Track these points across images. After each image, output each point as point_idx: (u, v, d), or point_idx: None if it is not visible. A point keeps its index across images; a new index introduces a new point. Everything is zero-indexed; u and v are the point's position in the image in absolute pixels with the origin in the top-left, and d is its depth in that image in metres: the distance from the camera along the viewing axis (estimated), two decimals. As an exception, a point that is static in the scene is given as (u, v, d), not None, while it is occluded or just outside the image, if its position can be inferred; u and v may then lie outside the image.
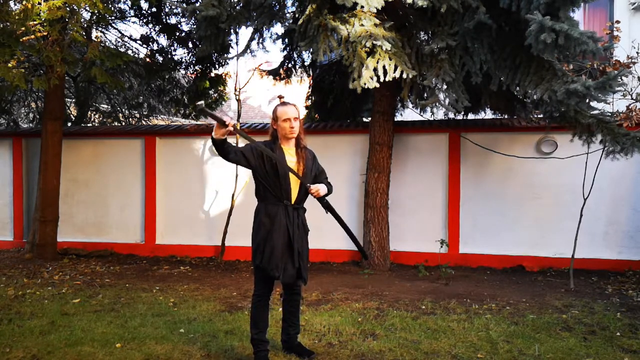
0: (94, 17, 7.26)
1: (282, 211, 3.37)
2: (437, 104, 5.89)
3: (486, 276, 6.67)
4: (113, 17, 8.13)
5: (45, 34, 6.21)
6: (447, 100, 5.84)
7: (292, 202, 3.42)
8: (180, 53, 8.70)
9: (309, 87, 9.31)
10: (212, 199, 8.14)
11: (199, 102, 3.17)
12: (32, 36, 6.24)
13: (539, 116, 7.06)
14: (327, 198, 3.51)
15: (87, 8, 6.26)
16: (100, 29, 8.66)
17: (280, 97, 3.32)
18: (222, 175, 8.04)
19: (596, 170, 6.05)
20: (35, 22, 6.00)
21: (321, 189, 3.43)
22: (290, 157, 3.41)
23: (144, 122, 11.26)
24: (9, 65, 6.15)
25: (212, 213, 8.13)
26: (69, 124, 10.26)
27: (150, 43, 8.63)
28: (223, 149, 3.20)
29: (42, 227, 7.65)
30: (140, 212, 8.34)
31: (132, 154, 8.39)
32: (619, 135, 5.44)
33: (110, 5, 6.97)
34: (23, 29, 5.99)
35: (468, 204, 7.39)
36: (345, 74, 5.85)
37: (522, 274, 6.82)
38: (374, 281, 6.24)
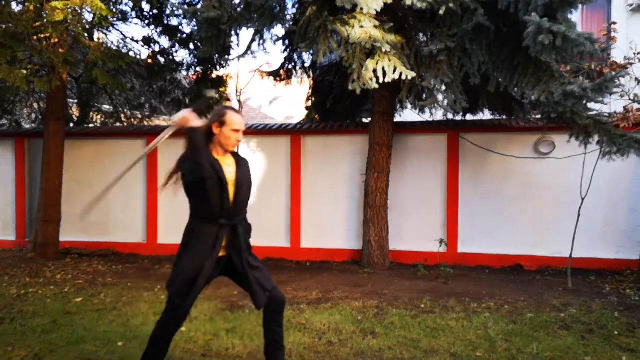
0: (96, 19, 7.30)
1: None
2: (436, 104, 5.93)
3: (485, 275, 6.71)
4: (115, 19, 8.17)
5: (47, 35, 6.25)
6: (445, 101, 5.88)
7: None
8: (181, 54, 8.83)
9: (309, 88, 9.36)
10: (213, 199, 8.16)
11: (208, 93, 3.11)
12: (34, 37, 6.28)
13: (536, 117, 7.10)
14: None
15: (89, 10, 6.30)
16: (102, 30, 8.70)
17: (239, 101, 3.11)
18: (223, 175, 8.07)
19: (594, 170, 6.09)
20: (37, 24, 6.04)
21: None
22: (227, 167, 2.98)
23: (145, 123, 11.31)
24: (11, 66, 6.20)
25: (213, 213, 8.15)
26: (71, 125, 10.30)
27: (151, 44, 8.66)
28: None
29: (44, 226, 7.68)
30: (142, 212, 8.39)
31: (134, 155, 8.32)
32: (615, 137, 5.48)
33: (112, 7, 7.01)
34: (25, 30, 6.03)
35: (467, 204, 7.43)
36: (345, 75, 5.89)
37: (521, 273, 6.85)
38: (373, 280, 6.28)
